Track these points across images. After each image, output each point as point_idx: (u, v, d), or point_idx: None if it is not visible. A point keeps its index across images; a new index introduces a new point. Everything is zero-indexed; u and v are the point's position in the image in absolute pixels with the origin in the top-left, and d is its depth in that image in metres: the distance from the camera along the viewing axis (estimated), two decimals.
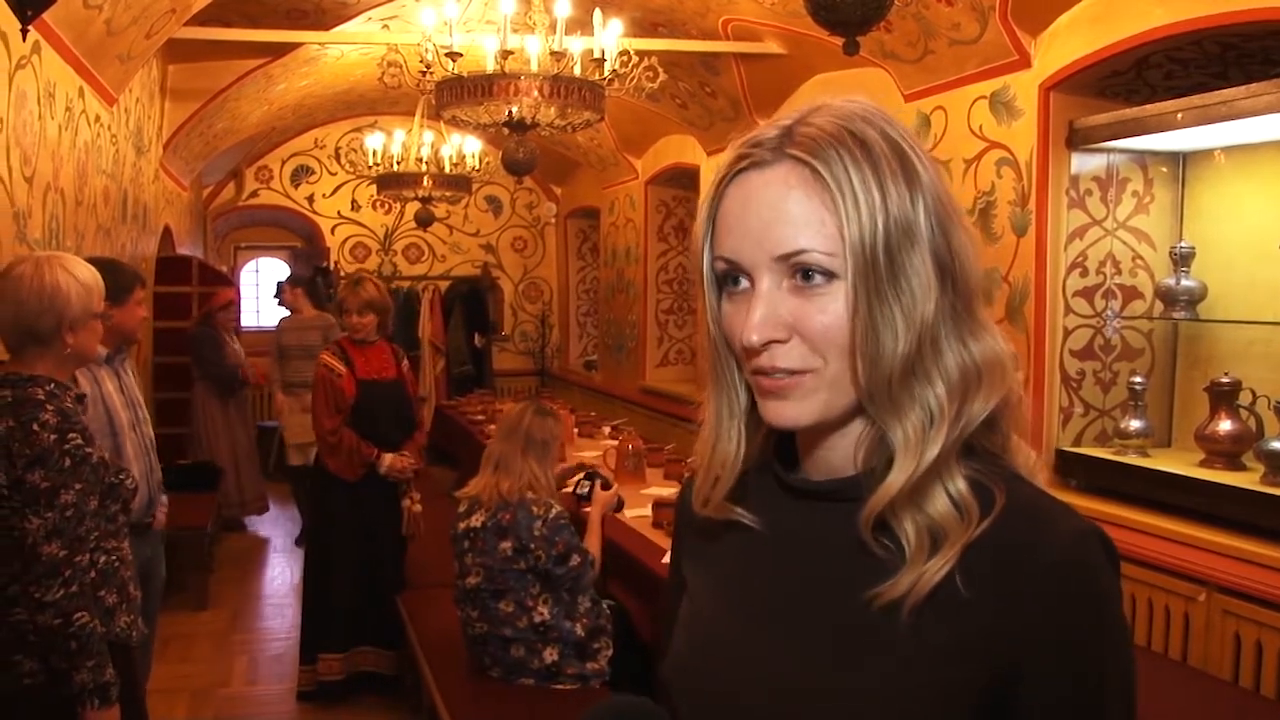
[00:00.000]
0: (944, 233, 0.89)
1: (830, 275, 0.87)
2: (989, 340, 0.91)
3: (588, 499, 3.90)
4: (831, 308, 0.87)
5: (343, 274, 9.87)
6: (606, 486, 3.95)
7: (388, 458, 4.46)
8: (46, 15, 3.21)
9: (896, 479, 0.87)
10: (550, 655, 3.30)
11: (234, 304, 7.25)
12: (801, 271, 0.87)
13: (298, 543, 6.97)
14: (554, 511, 3.34)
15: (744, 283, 0.91)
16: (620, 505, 4.07)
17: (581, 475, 4.13)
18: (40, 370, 2.37)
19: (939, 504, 0.87)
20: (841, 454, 0.94)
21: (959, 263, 0.90)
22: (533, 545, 3.26)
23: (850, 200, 0.85)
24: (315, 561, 4.67)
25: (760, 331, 0.88)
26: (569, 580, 3.31)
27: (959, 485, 0.88)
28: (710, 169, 7.14)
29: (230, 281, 8.37)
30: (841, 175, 0.86)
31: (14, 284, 2.36)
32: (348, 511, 4.47)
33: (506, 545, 3.28)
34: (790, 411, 0.90)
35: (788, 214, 0.87)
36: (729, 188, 0.92)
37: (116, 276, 3.34)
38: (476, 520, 3.37)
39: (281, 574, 6.10)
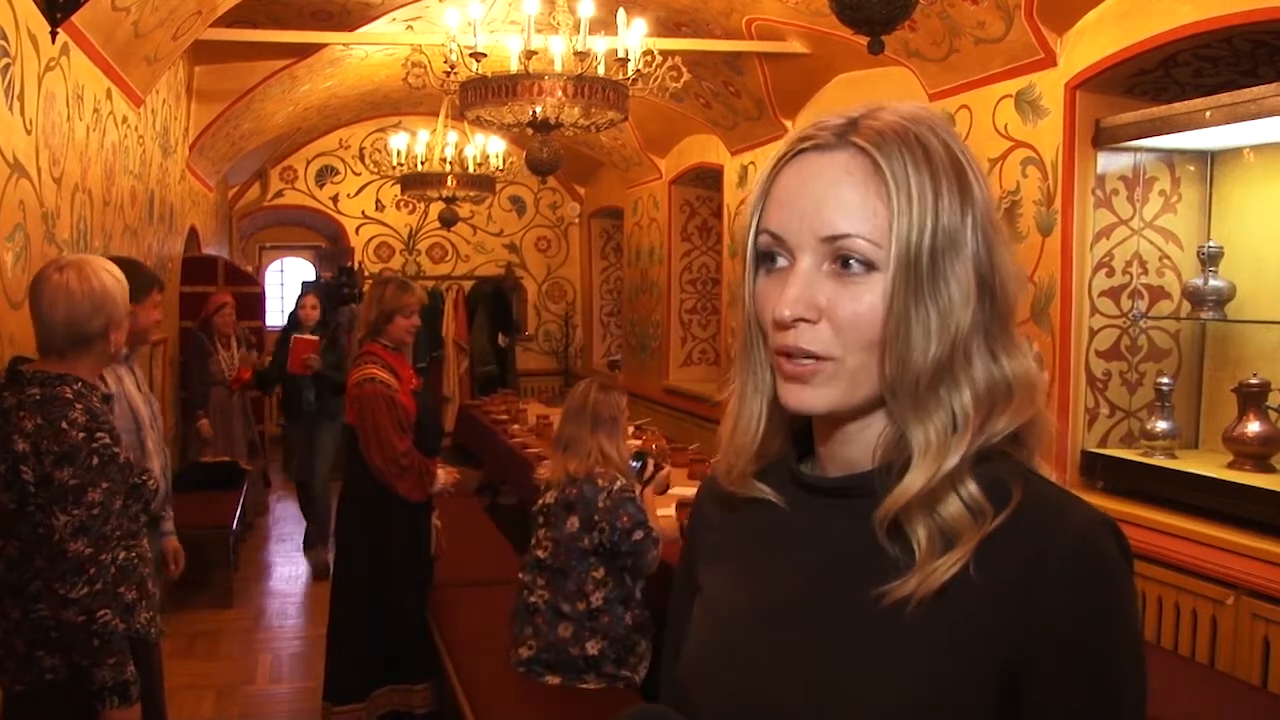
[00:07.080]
0: (989, 250, 0.90)
1: (870, 266, 0.88)
2: (1021, 360, 0.92)
3: (647, 479, 3.68)
4: (866, 298, 0.88)
5: (367, 273, 9.91)
6: (659, 467, 3.90)
7: (440, 472, 4.08)
8: (75, 17, 3.24)
9: (915, 482, 0.88)
10: (593, 648, 3.28)
11: (228, 306, 6.76)
12: (843, 258, 0.88)
13: (306, 546, 6.77)
14: (619, 484, 3.32)
15: (782, 260, 0.92)
16: (666, 488, 4.00)
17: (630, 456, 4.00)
18: (82, 371, 2.40)
19: (951, 507, 0.88)
20: (860, 449, 0.94)
21: (1000, 281, 0.91)
22: (597, 518, 3.25)
23: (904, 197, 0.87)
24: (390, 594, 4.04)
25: (793, 307, 0.89)
26: (631, 556, 3.29)
27: (970, 488, 0.88)
28: (734, 169, 7.14)
29: (256, 281, 8.39)
30: (900, 172, 0.87)
31: (63, 291, 2.38)
32: (411, 536, 4.07)
33: (573, 520, 3.29)
34: (808, 396, 0.91)
35: (841, 198, 0.89)
36: (787, 166, 0.93)
37: (137, 276, 3.37)
38: (549, 498, 3.41)
39: (304, 573, 6.13)
